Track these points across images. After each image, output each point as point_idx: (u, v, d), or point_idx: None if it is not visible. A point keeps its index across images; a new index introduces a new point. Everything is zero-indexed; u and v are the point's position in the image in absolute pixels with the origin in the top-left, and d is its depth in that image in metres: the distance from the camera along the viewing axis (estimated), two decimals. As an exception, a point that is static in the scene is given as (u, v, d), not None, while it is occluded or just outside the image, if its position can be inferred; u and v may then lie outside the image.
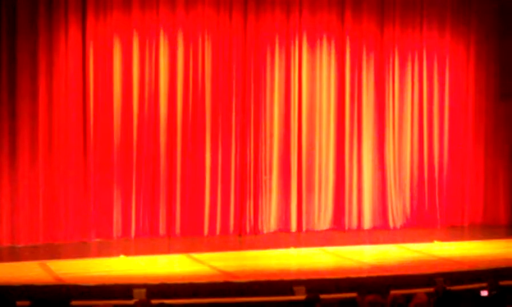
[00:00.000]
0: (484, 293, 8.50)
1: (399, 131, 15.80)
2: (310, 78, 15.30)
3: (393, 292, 8.47)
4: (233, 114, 14.78)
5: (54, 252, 12.77)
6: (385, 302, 7.10)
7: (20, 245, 13.29)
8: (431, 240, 14.30)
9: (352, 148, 15.52)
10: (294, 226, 15.16)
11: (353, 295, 8.64)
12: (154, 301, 8.32)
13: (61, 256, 12.60)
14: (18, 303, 8.53)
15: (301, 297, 10.03)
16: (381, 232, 15.24)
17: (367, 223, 15.55)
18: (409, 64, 15.87)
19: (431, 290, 8.77)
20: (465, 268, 11.81)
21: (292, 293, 10.45)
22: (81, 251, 12.99)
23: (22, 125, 13.47)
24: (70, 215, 13.73)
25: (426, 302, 6.74)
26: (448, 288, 8.40)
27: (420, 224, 15.76)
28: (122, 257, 12.50)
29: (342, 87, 15.46)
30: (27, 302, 8.80)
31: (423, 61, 15.92)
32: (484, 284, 8.83)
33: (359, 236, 14.92)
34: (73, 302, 8.88)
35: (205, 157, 14.62)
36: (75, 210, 13.77)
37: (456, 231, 15.52)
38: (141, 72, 14.29)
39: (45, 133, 13.60)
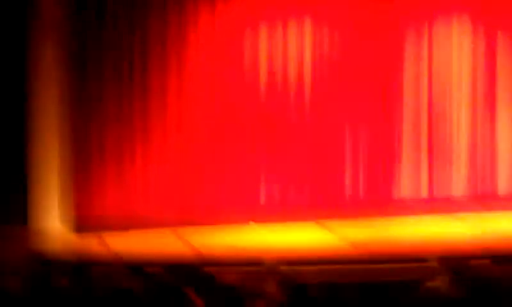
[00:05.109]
0: None
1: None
2: (441, 58, 14.86)
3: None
4: (369, 95, 14.52)
5: (187, 222, 12.99)
6: None
7: (155, 215, 13.62)
8: None
9: (486, 114, 15.06)
10: (425, 194, 14.88)
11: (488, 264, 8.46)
12: (284, 267, 8.39)
13: (193, 223, 12.79)
14: (154, 270, 8.75)
15: (434, 264, 9.89)
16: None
17: (502, 191, 15.09)
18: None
19: None
20: None
21: (426, 261, 10.30)
22: (213, 219, 13.15)
23: (154, 100, 13.72)
24: (200, 186, 13.90)
25: None
26: None
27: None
28: (251, 224, 12.60)
29: (475, 60, 14.94)
30: (162, 270, 9.01)
31: None
32: None
33: (494, 203, 14.51)
34: (206, 269, 9.02)
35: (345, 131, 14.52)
36: (207, 182, 13.92)
37: None
38: (269, 62, 14.23)
39: (175, 108, 13.76)
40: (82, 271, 7.99)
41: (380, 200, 14.56)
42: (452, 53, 14.91)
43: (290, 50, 14.37)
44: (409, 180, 14.85)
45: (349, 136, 14.64)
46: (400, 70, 14.79)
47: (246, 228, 12.50)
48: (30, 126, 13.01)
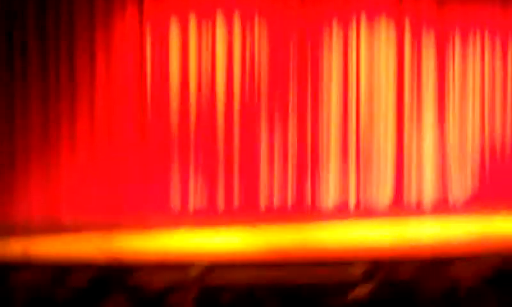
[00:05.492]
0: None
1: (459, 108, 15.49)
2: (369, 56, 15.05)
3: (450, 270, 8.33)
4: (291, 91, 14.66)
5: (113, 226, 12.87)
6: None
7: (81, 220, 13.43)
8: (492, 216, 14.04)
9: (412, 124, 15.27)
10: (352, 202, 15.02)
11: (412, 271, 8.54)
12: (211, 276, 8.35)
13: (120, 230, 12.69)
14: (79, 276, 8.61)
15: (359, 272, 9.96)
16: (442, 208, 14.99)
17: (428, 199, 15.32)
18: (470, 42, 15.49)
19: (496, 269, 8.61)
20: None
21: (351, 270, 10.36)
22: (141, 225, 13.06)
23: (81, 108, 13.59)
24: (129, 191, 13.83)
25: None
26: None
27: (482, 201, 15.44)
28: (181, 231, 12.57)
29: (401, 64, 15.20)
30: (88, 276, 8.87)
31: (485, 38, 15.54)
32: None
33: (419, 212, 14.72)
34: (132, 277, 8.91)
35: (261, 133, 14.56)
36: (133, 186, 13.86)
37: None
38: (199, 51, 14.26)
39: (103, 112, 13.70)
40: (1, 278, 7.80)
41: (307, 206, 14.67)
42: (379, 54, 15.11)
43: (219, 47, 14.37)
44: (336, 186, 14.99)
45: (278, 139, 14.67)
46: (328, 70, 14.91)
47: (175, 232, 12.45)
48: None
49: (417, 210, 14.97)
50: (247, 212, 14.31)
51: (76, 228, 12.85)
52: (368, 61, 15.09)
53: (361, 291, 8.06)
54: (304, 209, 14.64)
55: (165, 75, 14.10)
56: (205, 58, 14.32)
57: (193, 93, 14.24)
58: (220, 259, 10.58)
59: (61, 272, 8.36)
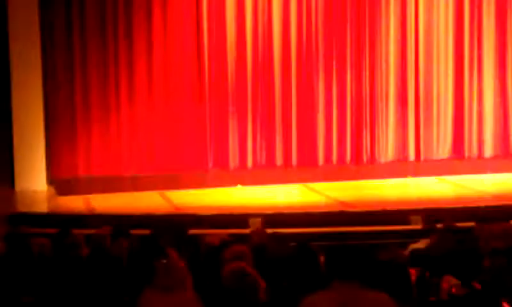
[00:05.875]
0: None
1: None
2: (428, 6, 14.82)
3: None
4: (348, 45, 14.53)
5: (172, 182, 13.02)
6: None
7: (141, 175, 13.62)
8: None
9: (472, 75, 15.02)
10: (412, 155, 14.90)
11: (471, 224, 8.48)
12: (270, 230, 8.41)
13: (180, 186, 12.84)
14: (138, 232, 8.77)
15: (417, 226, 9.93)
16: (503, 160, 14.77)
17: (488, 151, 15.12)
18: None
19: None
20: None
21: (409, 223, 10.34)
22: (199, 181, 13.19)
23: (139, 64, 13.78)
24: (188, 145, 13.98)
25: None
26: None
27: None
28: (239, 187, 12.64)
29: (460, 13, 14.93)
30: (146, 231, 9.01)
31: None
32: None
33: (479, 164, 14.53)
34: (191, 231, 9.03)
35: (319, 88, 14.51)
36: (192, 141, 13.99)
37: None
38: (255, 5, 14.21)
39: (160, 67, 13.84)
40: (65, 233, 7.98)
41: (366, 162, 14.62)
42: (439, 5, 14.85)
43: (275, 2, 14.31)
44: (395, 142, 14.87)
45: (335, 94, 14.58)
46: (386, 24, 14.71)
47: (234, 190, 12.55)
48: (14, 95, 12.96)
49: (477, 161, 14.77)
50: (305, 167, 14.31)
51: (136, 184, 13.04)
52: (427, 10, 14.82)
53: (420, 243, 8.05)
54: (363, 163, 14.59)
55: (222, 30, 14.10)
56: (261, 13, 14.27)
57: (250, 49, 14.24)
58: (278, 213, 10.62)
59: (123, 225, 8.52)
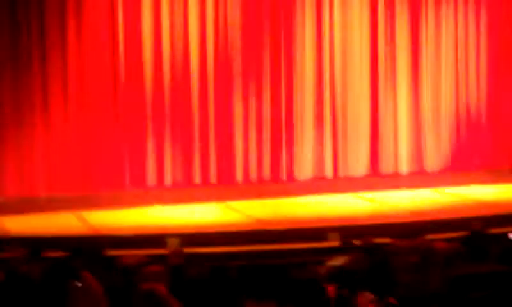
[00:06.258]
0: (512, 235, 8.36)
1: (434, 74, 15.53)
2: (343, 24, 15.04)
3: (428, 237, 8.36)
4: (265, 63, 14.63)
5: (89, 203, 12.81)
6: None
7: (56, 196, 13.35)
8: (468, 183, 14.11)
9: (387, 93, 15.31)
10: (329, 172, 15.05)
11: (387, 240, 8.58)
12: (188, 250, 8.35)
13: (96, 206, 12.64)
14: (53, 254, 8.58)
15: (335, 243, 9.98)
16: (418, 177, 15.05)
17: (404, 168, 15.38)
18: (443, 5, 15.50)
19: (467, 233, 8.66)
20: (501, 211, 11.63)
21: (327, 240, 10.40)
22: (116, 201, 13.01)
23: (54, 80, 13.55)
24: (104, 165, 13.79)
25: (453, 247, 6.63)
26: (483, 231, 8.26)
27: (458, 168, 15.51)
28: (156, 206, 12.53)
29: (375, 31, 15.20)
30: (61, 253, 8.84)
31: (458, 1, 15.55)
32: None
33: (395, 181, 14.76)
34: (108, 252, 8.90)
35: (237, 106, 14.53)
36: (109, 160, 13.81)
37: (494, 175, 15.22)
38: (171, 22, 14.17)
39: (76, 84, 13.66)
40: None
41: (282, 180, 14.68)
42: (353, 21, 15.06)
43: (192, 16, 14.30)
44: (313, 160, 14.97)
45: (252, 111, 14.64)
46: (302, 39, 14.84)
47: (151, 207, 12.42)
48: None
49: (393, 178, 15.01)
50: (224, 185, 14.29)
51: (51, 204, 12.79)
52: (342, 29, 15.04)
53: (337, 260, 8.09)
54: (281, 181, 14.66)
55: (138, 48, 13.97)
56: (179, 30, 14.21)
57: (167, 66, 14.16)
58: (196, 232, 10.56)
59: (37, 247, 8.33)
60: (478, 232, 8.11)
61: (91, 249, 8.17)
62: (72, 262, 7.40)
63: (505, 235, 8.49)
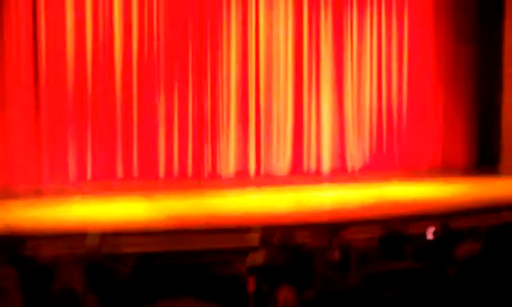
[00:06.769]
0: (430, 235, 8.52)
1: (357, 74, 15.73)
2: (267, 22, 15.12)
3: (347, 235, 8.47)
4: (190, 59, 14.60)
5: (6, 197, 12.57)
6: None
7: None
8: (388, 182, 14.35)
9: (311, 92, 15.45)
10: (252, 169, 15.11)
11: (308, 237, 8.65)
12: (107, 247, 8.26)
13: (13, 199, 12.41)
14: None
15: (256, 240, 10.01)
16: (340, 175, 15.23)
17: (326, 166, 15.55)
18: (367, 7, 15.73)
19: (385, 232, 8.79)
20: (420, 210, 11.86)
21: (248, 237, 10.41)
22: (35, 195, 12.80)
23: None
24: (22, 157, 13.52)
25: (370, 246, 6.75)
26: (400, 230, 8.41)
27: (378, 167, 15.75)
28: (77, 200, 12.38)
29: (299, 30, 15.33)
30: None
31: (381, 4, 15.81)
32: (434, 227, 8.84)
33: (317, 179, 14.92)
34: (24, 249, 8.75)
35: (161, 102, 14.46)
36: (27, 152, 13.56)
37: (414, 174, 15.52)
38: (95, 19, 14.00)
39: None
40: None
41: (207, 177, 14.68)
42: (278, 20, 15.13)
43: (116, 13, 14.17)
44: (236, 157, 15.02)
45: (177, 106, 14.57)
46: (227, 37, 14.85)
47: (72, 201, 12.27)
48: None
49: (315, 176, 15.16)
50: (146, 179, 14.21)
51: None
52: (267, 27, 15.12)
53: (258, 256, 8.13)
54: (204, 176, 14.66)
55: (60, 40, 13.76)
56: (102, 23, 14.07)
57: (89, 60, 13.99)
58: (117, 228, 10.46)
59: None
60: (396, 230, 8.25)
61: (6, 245, 8.01)
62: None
63: (423, 234, 8.66)
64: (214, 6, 14.71)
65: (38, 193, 13.01)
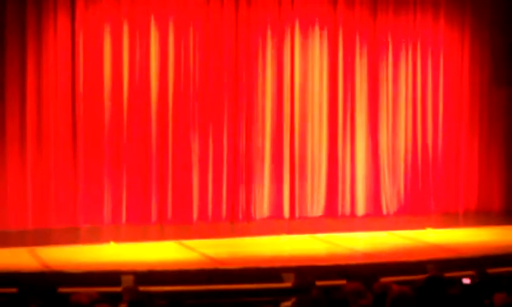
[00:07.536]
0: (466, 281, 8.42)
1: (392, 118, 15.73)
2: (303, 65, 15.22)
3: (382, 280, 8.40)
4: (225, 102, 14.70)
5: (43, 239, 12.68)
6: (366, 291, 7.05)
7: (10, 231, 13.20)
8: (423, 227, 14.23)
9: (346, 135, 15.45)
10: (286, 212, 15.10)
11: (342, 282, 8.59)
12: (142, 288, 8.28)
13: (50, 242, 12.52)
14: (6, 290, 8.46)
15: (289, 284, 9.97)
16: (374, 219, 15.16)
17: (360, 210, 15.49)
18: (403, 51, 15.78)
19: (422, 277, 8.71)
20: (456, 255, 11.74)
21: (281, 281, 10.38)
22: (70, 237, 12.90)
23: (11, 112, 13.51)
24: (60, 200, 13.68)
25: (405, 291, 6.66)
26: (436, 275, 8.32)
27: (413, 211, 15.66)
28: (112, 244, 12.44)
29: (335, 73, 15.39)
30: (14, 289, 8.71)
31: (417, 48, 15.85)
32: (471, 272, 8.74)
33: (352, 223, 14.85)
34: (61, 289, 8.79)
35: (196, 145, 14.54)
36: (64, 196, 13.71)
37: (449, 218, 15.41)
38: (131, 61, 14.22)
39: (34, 119, 13.61)
40: None
41: (241, 220, 14.68)
42: (313, 63, 15.19)
43: (152, 56, 14.33)
44: (270, 200, 15.01)
45: (212, 150, 14.64)
46: (263, 81, 14.94)
47: (106, 247, 12.32)
48: None
49: (350, 219, 15.10)
50: (180, 224, 14.25)
51: (5, 239, 12.62)
52: (302, 70, 15.20)
53: (292, 301, 8.08)
54: (238, 219, 14.67)
55: (98, 84, 13.97)
56: (139, 67, 14.25)
57: (126, 103, 14.17)
58: (152, 270, 10.48)
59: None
60: (432, 276, 8.16)
61: (43, 286, 8.06)
62: (24, 299, 7.32)
63: (460, 279, 8.56)
64: (249, 47, 14.82)
65: (73, 233, 13.09)
